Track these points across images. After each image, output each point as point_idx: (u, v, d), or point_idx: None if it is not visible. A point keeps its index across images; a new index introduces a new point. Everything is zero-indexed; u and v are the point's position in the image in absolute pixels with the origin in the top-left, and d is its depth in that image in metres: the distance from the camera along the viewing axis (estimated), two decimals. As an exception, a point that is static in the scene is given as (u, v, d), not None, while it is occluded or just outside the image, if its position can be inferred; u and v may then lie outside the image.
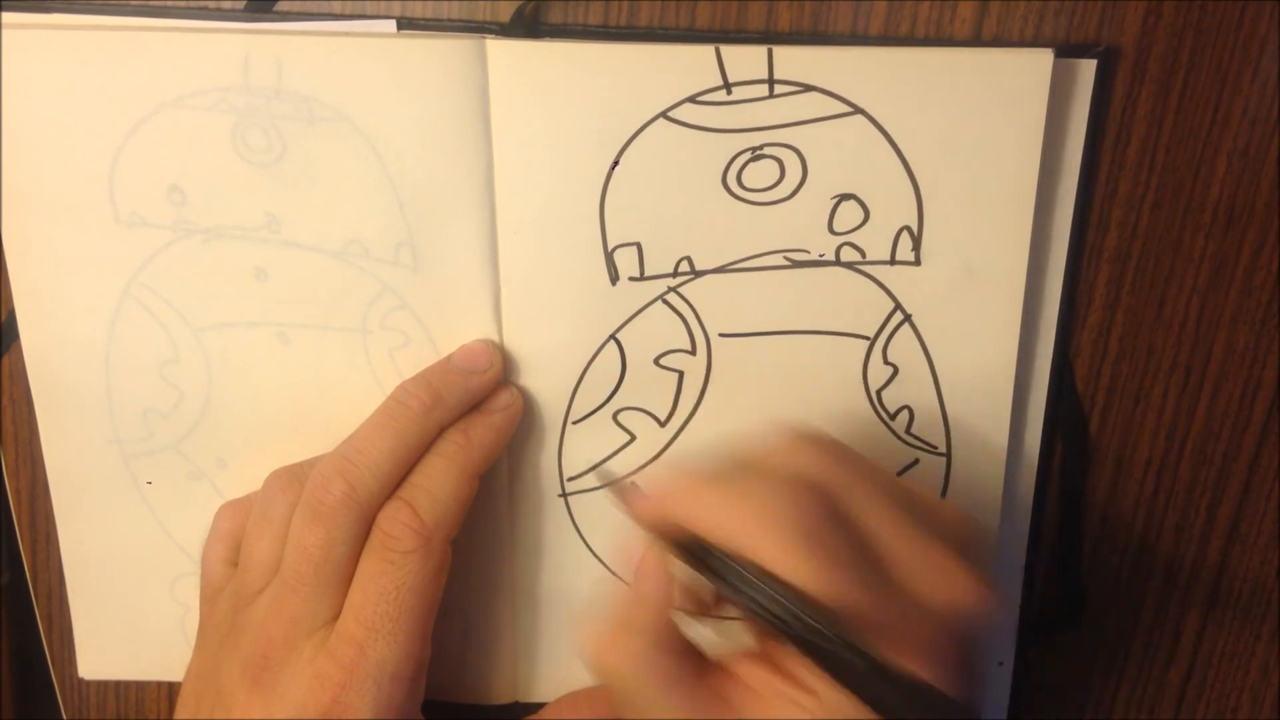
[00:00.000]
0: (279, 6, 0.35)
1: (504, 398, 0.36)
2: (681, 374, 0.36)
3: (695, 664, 0.30)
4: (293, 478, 0.34)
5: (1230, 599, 0.39)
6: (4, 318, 0.38)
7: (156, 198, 0.35)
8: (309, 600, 0.32)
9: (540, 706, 0.41)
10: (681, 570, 0.29)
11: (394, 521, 0.32)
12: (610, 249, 0.35)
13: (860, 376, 0.36)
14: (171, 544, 0.40)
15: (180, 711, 0.35)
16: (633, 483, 0.37)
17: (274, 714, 0.31)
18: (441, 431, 0.34)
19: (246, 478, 0.38)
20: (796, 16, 0.34)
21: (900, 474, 0.37)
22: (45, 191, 0.36)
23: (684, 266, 0.35)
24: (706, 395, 0.36)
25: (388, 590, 0.32)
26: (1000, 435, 0.36)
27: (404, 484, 0.33)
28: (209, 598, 0.36)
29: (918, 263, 0.35)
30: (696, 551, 0.29)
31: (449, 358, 0.36)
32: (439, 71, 0.33)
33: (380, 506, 0.33)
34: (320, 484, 0.32)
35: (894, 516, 0.28)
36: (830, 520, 0.28)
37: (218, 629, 0.35)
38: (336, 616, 0.32)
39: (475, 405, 0.35)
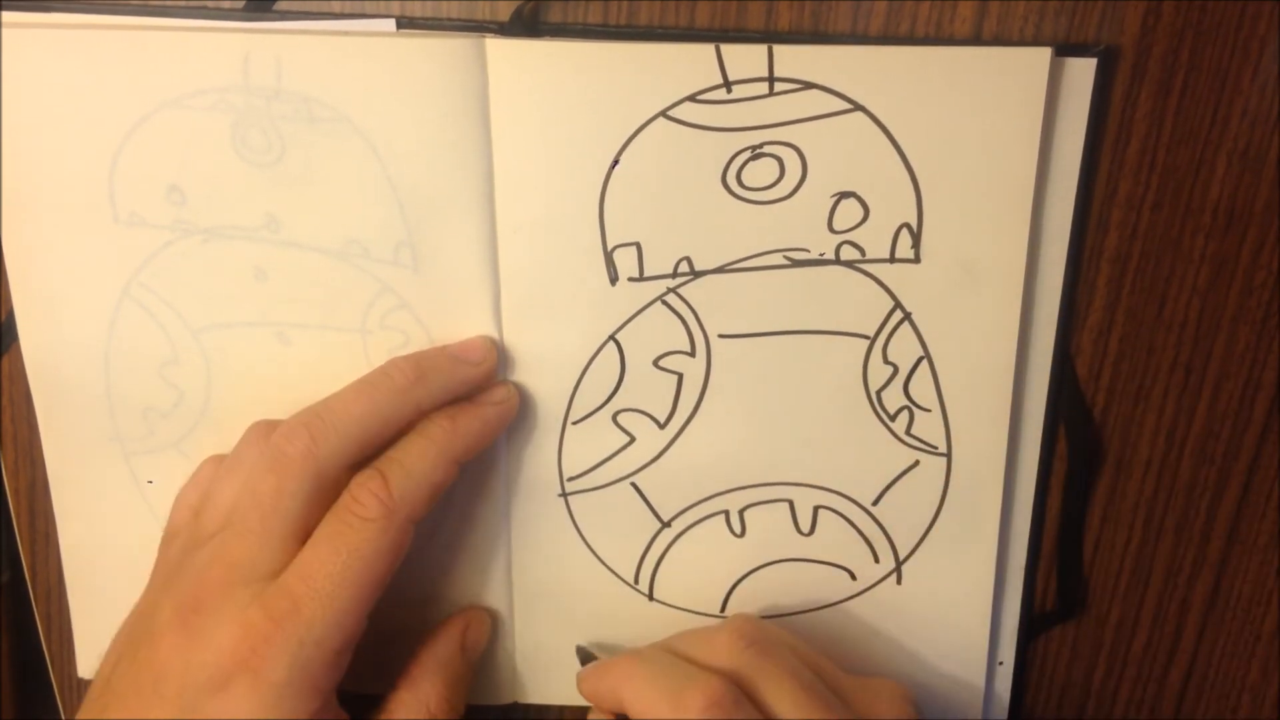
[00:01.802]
0: (278, 6, 0.34)
1: (500, 393, 0.36)
2: (681, 376, 0.36)
3: None
4: (270, 429, 0.34)
5: (1230, 599, 0.39)
6: (4, 318, 0.38)
7: (156, 198, 0.35)
8: (251, 548, 0.32)
9: (540, 707, 0.41)
10: None
11: (362, 488, 0.32)
12: (610, 249, 0.35)
13: (860, 377, 0.36)
14: (171, 544, 0.40)
15: (110, 649, 0.34)
16: (593, 659, 0.38)
17: (192, 658, 0.31)
18: (421, 413, 0.34)
19: (246, 478, 0.38)
20: (796, 16, 0.34)
21: (900, 477, 0.37)
22: (45, 191, 0.36)
23: (683, 267, 0.35)
24: (706, 397, 0.36)
25: (339, 551, 0.31)
26: (1000, 434, 0.36)
27: (381, 456, 0.33)
28: (166, 541, 0.36)
29: (917, 260, 0.35)
30: None
31: (445, 346, 0.36)
32: (438, 71, 0.33)
33: (340, 469, 0.32)
34: (284, 435, 0.32)
35: (795, 694, 0.33)
36: (735, 703, 0.32)
37: (165, 570, 0.34)
38: (279, 572, 0.32)
39: (469, 397, 0.35)
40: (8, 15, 0.34)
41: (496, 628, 0.40)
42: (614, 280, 0.35)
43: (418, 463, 0.33)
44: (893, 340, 0.35)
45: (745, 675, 0.33)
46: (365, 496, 0.32)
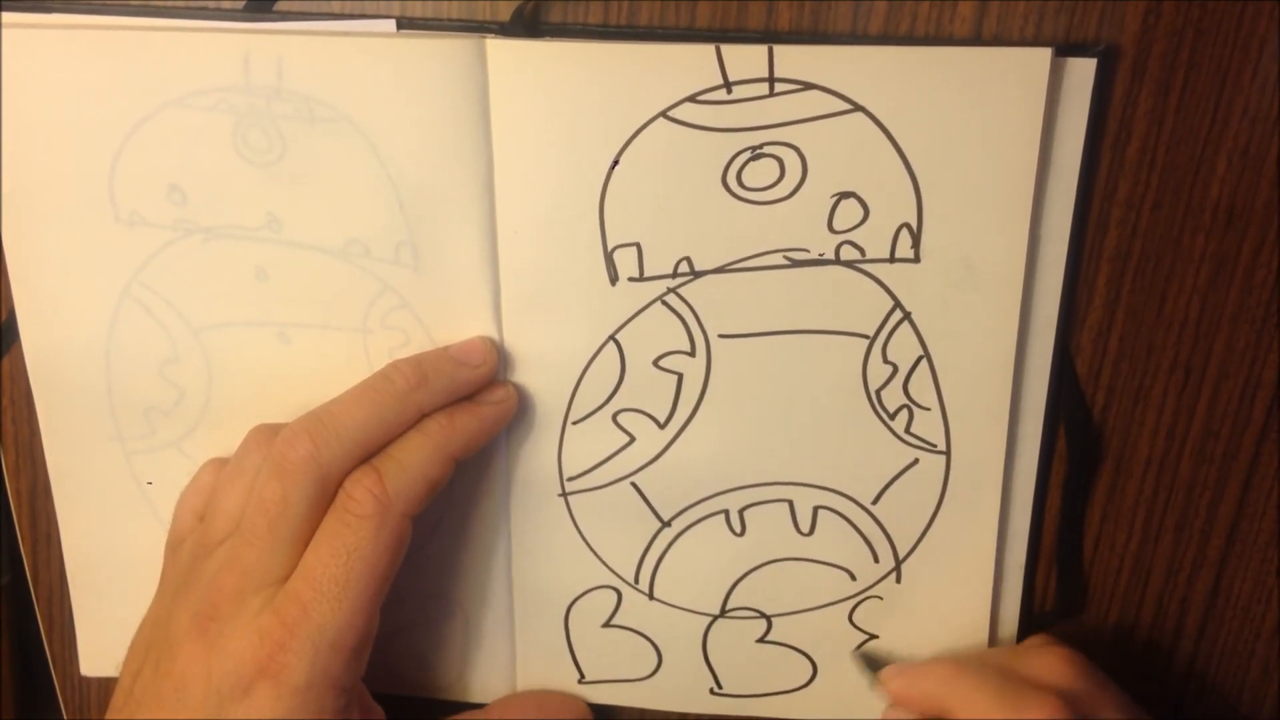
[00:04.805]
0: (279, 6, 0.35)
1: (498, 393, 0.36)
2: (681, 376, 0.36)
3: None
4: (272, 433, 0.34)
5: (1230, 598, 0.39)
6: (4, 318, 0.38)
7: (157, 197, 0.35)
8: (262, 555, 0.32)
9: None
10: None
11: (357, 485, 0.32)
12: (610, 249, 0.35)
13: (860, 376, 0.36)
14: (172, 543, 0.40)
15: (130, 657, 0.34)
16: (881, 662, 0.39)
17: (212, 665, 0.31)
18: (423, 416, 0.34)
19: (247, 477, 0.38)
20: (796, 16, 0.34)
21: (899, 476, 0.37)
22: (45, 191, 0.36)
23: (683, 267, 0.35)
24: (706, 397, 0.36)
25: (338, 552, 0.31)
26: (999, 433, 0.36)
27: (377, 454, 0.33)
28: (173, 546, 0.36)
29: (917, 260, 0.35)
30: None
31: (445, 347, 0.36)
32: (439, 71, 0.33)
33: (343, 473, 0.32)
34: (287, 441, 0.32)
35: None
36: None
37: (176, 577, 0.34)
38: (290, 576, 0.32)
39: (468, 398, 0.35)
40: (8, 15, 0.34)
41: (497, 626, 0.40)
42: (614, 280, 0.35)
43: (413, 458, 0.33)
44: (892, 340, 0.35)
45: (1081, 700, 0.34)
46: (360, 493, 0.32)
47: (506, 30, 0.34)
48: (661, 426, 0.37)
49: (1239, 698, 0.40)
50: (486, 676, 0.41)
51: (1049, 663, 0.35)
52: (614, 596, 0.39)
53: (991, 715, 0.34)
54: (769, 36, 0.34)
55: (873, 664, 0.39)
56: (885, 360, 0.36)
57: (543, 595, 0.39)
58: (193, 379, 0.38)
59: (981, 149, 0.33)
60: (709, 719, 0.41)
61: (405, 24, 0.34)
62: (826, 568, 0.38)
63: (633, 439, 0.37)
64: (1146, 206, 0.35)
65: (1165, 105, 0.34)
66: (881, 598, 0.39)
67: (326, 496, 0.32)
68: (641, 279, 0.35)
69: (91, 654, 0.42)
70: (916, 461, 0.37)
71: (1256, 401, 0.37)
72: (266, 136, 0.34)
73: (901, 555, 0.38)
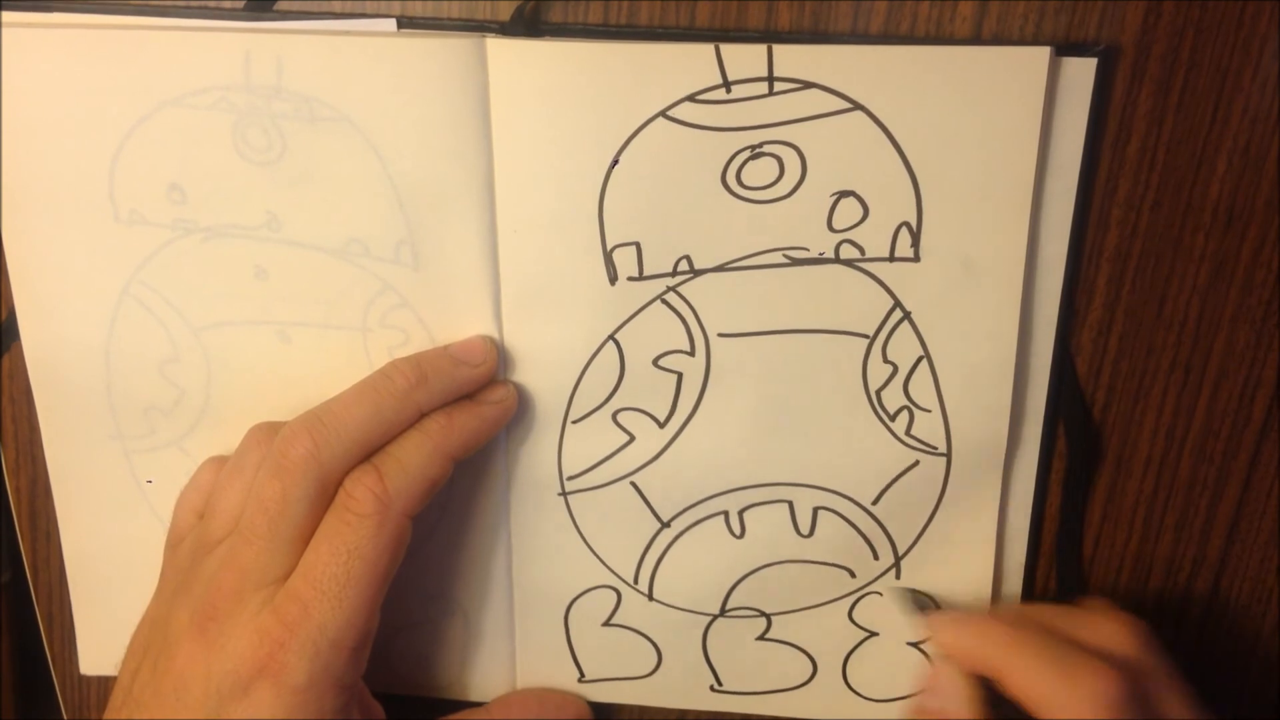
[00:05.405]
0: (279, 5, 0.35)
1: (498, 392, 0.36)
2: (680, 375, 0.36)
3: None
4: (272, 432, 0.34)
5: (1230, 597, 0.39)
6: (4, 317, 0.38)
7: (157, 196, 0.35)
8: (261, 554, 0.32)
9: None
10: (973, 705, 0.34)
11: (357, 484, 0.32)
12: (609, 248, 0.35)
13: (860, 376, 0.36)
14: (172, 542, 0.40)
15: (129, 656, 0.34)
16: (939, 610, 0.38)
17: (213, 665, 0.31)
18: (422, 415, 0.34)
19: (247, 476, 0.38)
20: (796, 16, 0.34)
21: (900, 477, 0.37)
22: (45, 191, 0.36)
23: (683, 266, 0.35)
24: (705, 396, 0.36)
25: (339, 551, 0.31)
26: (1000, 433, 0.36)
27: (377, 452, 0.33)
28: (172, 545, 0.36)
29: (917, 259, 0.35)
30: (995, 699, 0.33)
31: (445, 346, 0.36)
32: (439, 71, 0.33)
33: (343, 472, 0.32)
34: (286, 440, 0.32)
35: (1186, 702, 0.33)
36: (1135, 701, 0.31)
37: (175, 576, 0.35)
38: (289, 575, 0.32)
39: (467, 397, 0.35)
40: (8, 15, 0.34)
41: (497, 626, 0.40)
42: (613, 279, 0.35)
43: (412, 457, 0.33)
44: (892, 339, 0.35)
45: (1140, 671, 0.33)
46: (360, 492, 0.32)
47: (507, 30, 0.34)
48: (661, 425, 0.37)
49: (1239, 696, 0.40)
50: (486, 676, 0.41)
51: (1110, 630, 0.34)
52: (614, 596, 0.39)
53: (1046, 682, 0.32)
54: (769, 36, 0.34)
55: (919, 604, 0.38)
56: (885, 360, 0.36)
57: (542, 595, 0.39)
58: (193, 378, 0.38)
59: (981, 148, 0.33)
60: (710, 716, 0.41)
61: (405, 23, 0.34)
62: (826, 567, 0.38)
63: (632, 438, 0.37)
64: (1146, 206, 0.35)
65: (1165, 105, 0.34)
66: (881, 594, 0.39)
67: (326, 495, 0.32)
68: (641, 278, 0.35)
69: (91, 653, 0.42)
70: (917, 463, 0.37)
71: (1256, 401, 0.37)
72: (266, 136, 0.34)
73: (901, 552, 0.38)
